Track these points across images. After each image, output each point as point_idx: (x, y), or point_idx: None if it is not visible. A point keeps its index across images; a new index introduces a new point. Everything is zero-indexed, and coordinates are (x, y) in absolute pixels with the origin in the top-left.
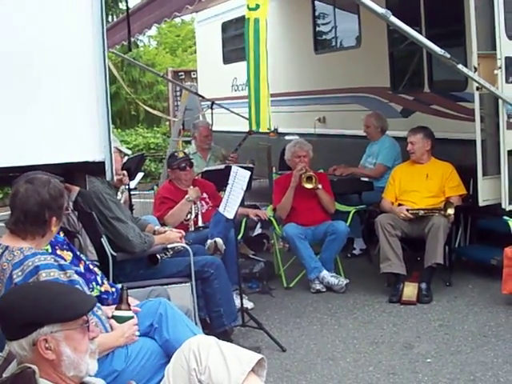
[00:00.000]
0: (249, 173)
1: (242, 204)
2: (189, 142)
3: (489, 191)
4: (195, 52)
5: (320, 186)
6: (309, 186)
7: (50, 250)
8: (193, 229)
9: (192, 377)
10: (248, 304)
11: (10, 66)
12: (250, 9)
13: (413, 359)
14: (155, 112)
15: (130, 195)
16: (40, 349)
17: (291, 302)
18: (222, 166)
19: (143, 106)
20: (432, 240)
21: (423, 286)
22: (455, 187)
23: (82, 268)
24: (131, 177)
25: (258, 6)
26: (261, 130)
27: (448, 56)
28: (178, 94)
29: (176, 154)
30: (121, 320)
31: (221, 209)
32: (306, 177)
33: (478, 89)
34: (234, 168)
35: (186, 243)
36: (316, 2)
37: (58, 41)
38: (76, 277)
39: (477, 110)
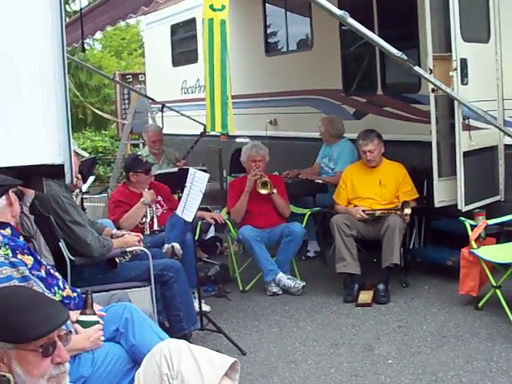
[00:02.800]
0: (207, 175)
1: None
2: (137, 146)
3: (444, 192)
4: (141, 55)
5: (275, 191)
6: (264, 191)
7: (10, 255)
8: (148, 232)
9: (164, 382)
10: (205, 307)
11: None
12: (214, 9)
13: (374, 360)
14: (105, 115)
15: (82, 199)
16: None
17: (248, 305)
18: (176, 169)
19: (92, 108)
20: (388, 240)
21: (381, 286)
22: (408, 192)
23: (43, 273)
24: (83, 180)
25: (223, 7)
26: (229, 132)
27: (405, 58)
28: (126, 97)
29: (140, 157)
30: (86, 325)
31: (179, 212)
32: (261, 182)
33: (433, 91)
34: (192, 170)
35: (144, 246)
36: (267, 5)
37: (15, 43)
38: (27, 273)
39: (432, 111)
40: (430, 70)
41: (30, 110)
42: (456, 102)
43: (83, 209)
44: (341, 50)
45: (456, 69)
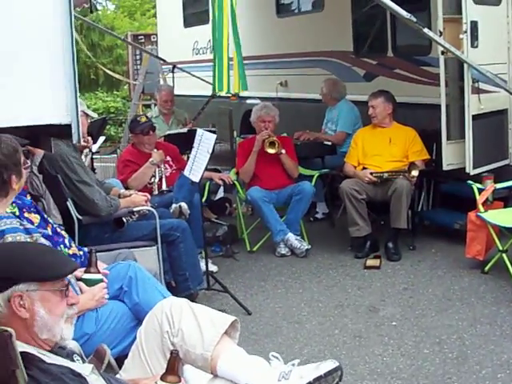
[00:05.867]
0: (214, 136)
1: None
2: (149, 106)
3: (453, 156)
4: (154, 16)
5: (283, 151)
6: (271, 150)
7: (17, 213)
8: (157, 192)
9: (165, 339)
10: (212, 267)
11: None
12: None
13: (378, 322)
14: (117, 75)
15: (92, 159)
16: (13, 305)
17: (255, 266)
18: (185, 130)
19: (104, 69)
20: (396, 204)
21: (390, 245)
22: (418, 152)
23: (49, 231)
24: (93, 140)
25: None
26: (241, 93)
27: (414, 20)
28: (138, 57)
29: (138, 118)
30: (90, 283)
31: (186, 172)
32: (269, 142)
33: (443, 53)
34: (199, 131)
35: (152, 206)
36: None
37: (21, 3)
38: (43, 240)
39: (442, 74)
40: (440, 33)
41: (37, 70)
42: (465, 65)
43: (93, 169)
44: (352, 12)
45: (466, 31)
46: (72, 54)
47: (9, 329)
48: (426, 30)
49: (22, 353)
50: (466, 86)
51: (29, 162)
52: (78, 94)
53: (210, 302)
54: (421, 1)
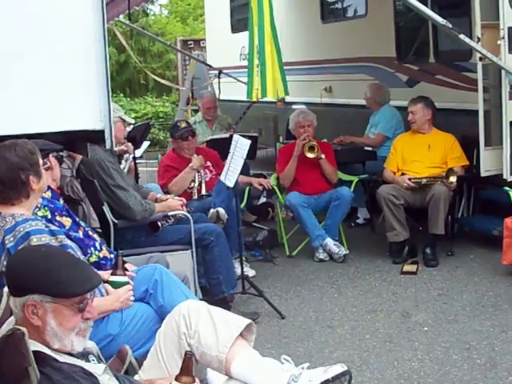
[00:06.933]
0: (249, 142)
1: (247, 173)
2: (198, 111)
3: (491, 162)
4: None
5: (323, 156)
6: (311, 155)
7: (49, 216)
8: (196, 197)
9: (182, 341)
10: (250, 272)
11: (8, 37)
12: None
13: (410, 328)
14: (163, 81)
15: (135, 164)
16: (27, 312)
17: (293, 271)
18: (227, 135)
19: (151, 75)
20: (433, 210)
21: (428, 250)
22: (457, 158)
23: (80, 234)
24: (137, 145)
25: None
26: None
27: (450, 26)
28: (187, 62)
29: (178, 124)
30: (116, 285)
31: (222, 177)
32: (309, 146)
33: (480, 59)
34: (235, 137)
35: (188, 211)
36: None
37: (56, 11)
38: (68, 242)
39: (479, 80)
40: (478, 39)
41: (71, 77)
42: (503, 71)
43: (137, 173)
44: (394, 18)
45: (503, 37)
46: (105, 63)
47: (22, 328)
48: (461, 36)
49: (35, 351)
50: (503, 91)
51: (48, 162)
52: (112, 100)
53: (245, 305)
54: (461, 7)
